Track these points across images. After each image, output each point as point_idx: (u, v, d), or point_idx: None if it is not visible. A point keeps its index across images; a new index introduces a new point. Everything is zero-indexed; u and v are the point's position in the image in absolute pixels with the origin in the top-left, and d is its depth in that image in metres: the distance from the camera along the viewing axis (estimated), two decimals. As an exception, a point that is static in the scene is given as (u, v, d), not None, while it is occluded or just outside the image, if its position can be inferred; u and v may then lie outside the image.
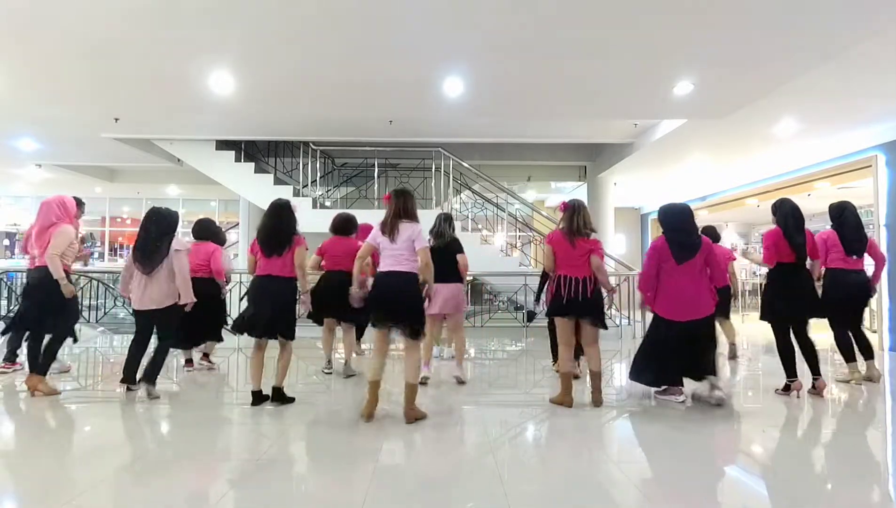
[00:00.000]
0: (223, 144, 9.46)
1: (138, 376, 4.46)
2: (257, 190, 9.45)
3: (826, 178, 8.70)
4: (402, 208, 3.89)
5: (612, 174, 10.54)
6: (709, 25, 4.51)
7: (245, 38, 4.87)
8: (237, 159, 9.52)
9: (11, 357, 5.46)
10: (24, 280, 4.57)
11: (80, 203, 5.07)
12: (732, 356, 6.49)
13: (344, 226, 5.44)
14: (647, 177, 11.01)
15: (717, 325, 6.09)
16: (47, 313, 4.45)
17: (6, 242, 16.26)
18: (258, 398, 4.18)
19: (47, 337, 4.61)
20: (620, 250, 13.29)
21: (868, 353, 5.22)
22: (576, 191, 12.85)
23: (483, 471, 2.92)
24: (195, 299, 4.62)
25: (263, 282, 4.16)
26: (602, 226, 10.84)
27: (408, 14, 4.40)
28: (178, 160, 9.89)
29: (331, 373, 5.36)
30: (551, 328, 5.10)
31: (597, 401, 4.28)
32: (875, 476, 3.07)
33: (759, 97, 6.10)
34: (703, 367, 4.29)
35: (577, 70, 5.49)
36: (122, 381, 4.45)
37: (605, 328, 4.41)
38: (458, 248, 5.11)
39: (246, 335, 4.23)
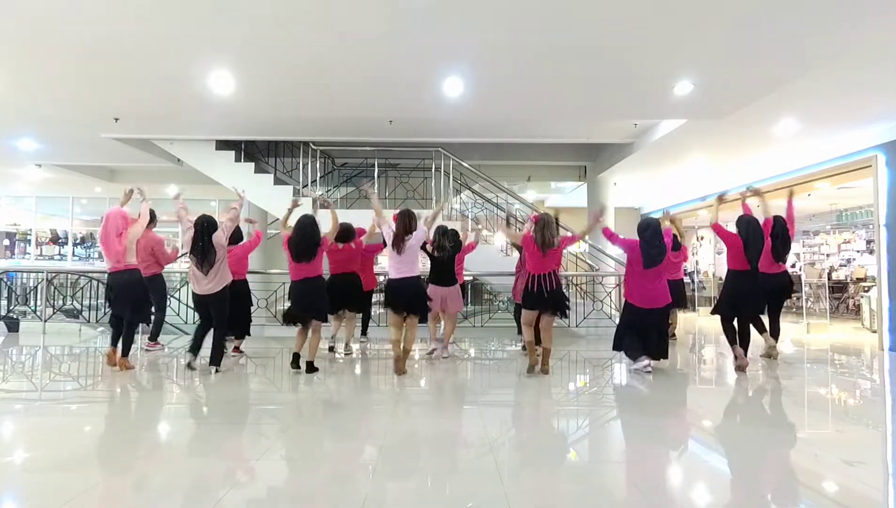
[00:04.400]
0: (223, 144, 9.45)
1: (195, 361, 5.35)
2: (257, 190, 9.42)
3: (826, 178, 8.70)
4: (406, 227, 5.20)
5: (612, 174, 10.54)
6: (709, 26, 4.51)
7: (245, 39, 4.87)
8: (237, 159, 9.51)
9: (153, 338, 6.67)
10: (107, 282, 5.58)
11: (153, 216, 6.16)
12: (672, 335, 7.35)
13: (345, 235, 6.28)
14: (647, 177, 11.01)
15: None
16: (134, 305, 5.38)
17: (6, 242, 16.25)
18: (297, 359, 5.30)
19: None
20: (620, 250, 13.26)
21: (776, 335, 6.20)
22: (576, 191, 12.86)
23: (483, 471, 2.92)
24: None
25: (300, 285, 5.26)
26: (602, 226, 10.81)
27: (408, 14, 4.40)
28: (178, 160, 9.89)
29: (350, 353, 6.34)
30: (517, 315, 6.32)
31: (545, 370, 5.23)
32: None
33: (759, 97, 6.10)
34: (659, 349, 5.38)
35: (576, 70, 5.49)
36: (189, 350, 5.36)
37: (565, 317, 5.51)
38: (457, 250, 6.17)
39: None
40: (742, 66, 5.27)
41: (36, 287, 9.51)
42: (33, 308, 9.26)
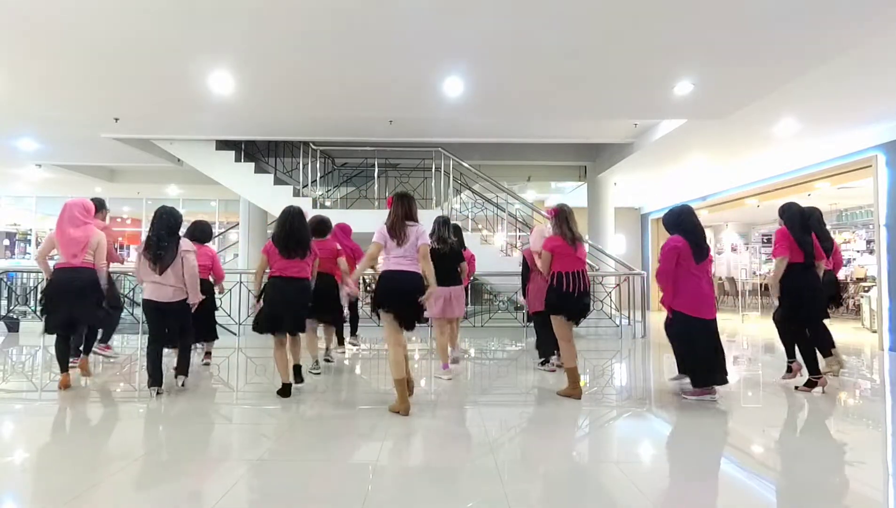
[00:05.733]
0: (223, 144, 9.45)
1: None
2: (257, 190, 9.45)
3: (826, 178, 8.70)
4: (406, 212, 4.08)
5: (612, 174, 10.54)
6: (709, 26, 4.51)
7: (245, 38, 4.87)
8: (237, 159, 9.52)
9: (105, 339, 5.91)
10: (47, 279, 4.80)
11: (102, 205, 5.46)
12: None
13: (319, 228, 5.51)
14: (647, 177, 11.01)
15: None
16: (89, 308, 4.70)
17: (6, 242, 16.26)
18: (288, 389, 4.43)
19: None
20: (620, 250, 13.28)
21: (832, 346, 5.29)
22: (576, 191, 12.86)
23: (483, 471, 2.93)
24: (202, 297, 4.82)
25: (285, 284, 4.47)
26: (602, 226, 10.85)
27: (408, 14, 4.40)
28: (178, 160, 9.90)
29: (319, 373, 5.40)
30: (538, 325, 5.51)
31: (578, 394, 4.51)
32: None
33: (759, 97, 6.10)
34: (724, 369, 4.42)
35: (577, 70, 5.49)
36: (151, 385, 4.44)
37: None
38: (460, 257, 5.42)
39: (267, 332, 4.50)
40: (742, 66, 5.27)
41: (36, 287, 9.51)
42: (33, 308, 9.27)
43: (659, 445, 3.56)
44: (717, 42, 4.80)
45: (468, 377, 5.55)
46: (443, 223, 5.35)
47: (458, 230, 5.75)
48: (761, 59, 5.08)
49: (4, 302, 9.45)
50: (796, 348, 4.88)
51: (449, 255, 5.23)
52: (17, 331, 8.62)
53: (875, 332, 7.94)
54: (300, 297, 4.55)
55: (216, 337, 5.92)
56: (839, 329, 9.44)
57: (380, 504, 2.50)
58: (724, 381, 4.42)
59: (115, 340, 6.52)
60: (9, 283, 9.78)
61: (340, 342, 6.47)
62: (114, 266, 5.52)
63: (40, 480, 2.87)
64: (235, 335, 8.03)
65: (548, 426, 3.91)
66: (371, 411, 4.15)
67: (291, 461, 3.13)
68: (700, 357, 4.37)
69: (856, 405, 4.68)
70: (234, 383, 5.40)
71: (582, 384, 5.21)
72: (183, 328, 4.68)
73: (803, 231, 4.76)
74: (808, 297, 4.73)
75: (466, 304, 6.41)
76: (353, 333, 6.84)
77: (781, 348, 5.06)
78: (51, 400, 4.44)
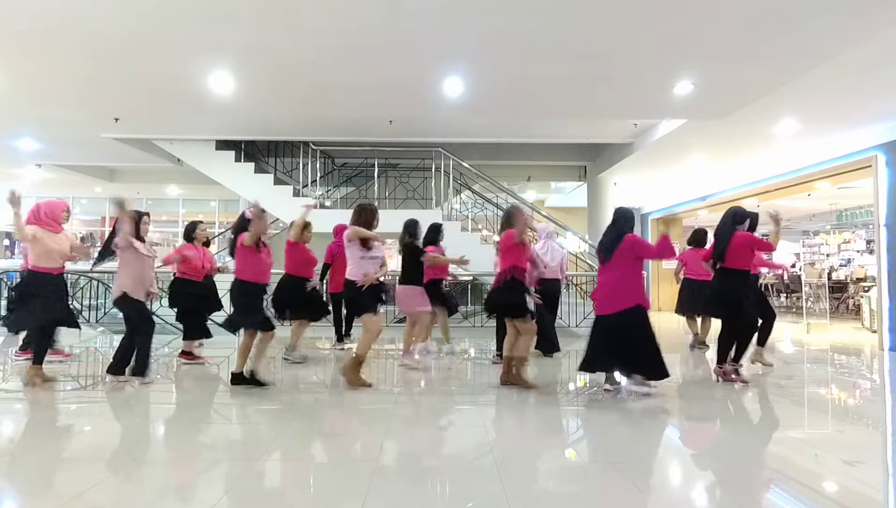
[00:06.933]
0: (223, 144, 9.46)
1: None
2: (257, 190, 9.43)
3: (826, 178, 8.70)
4: (352, 223, 4.76)
5: (612, 174, 10.55)
6: (709, 25, 4.51)
7: (245, 38, 4.87)
8: (237, 159, 9.52)
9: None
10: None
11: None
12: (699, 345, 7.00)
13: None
14: (647, 177, 11.02)
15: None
16: (32, 308, 4.84)
17: (6, 242, 16.26)
18: (238, 378, 4.69)
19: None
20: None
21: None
22: (576, 191, 12.88)
23: (483, 471, 2.92)
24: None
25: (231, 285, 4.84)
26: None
27: (408, 14, 4.40)
28: (178, 160, 9.90)
29: (301, 362, 5.80)
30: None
31: (523, 383, 4.71)
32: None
33: (759, 97, 6.10)
34: (644, 366, 4.41)
35: (577, 70, 5.49)
36: (108, 371, 4.73)
37: (522, 316, 4.62)
38: (418, 253, 5.58)
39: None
40: (742, 66, 5.27)
41: (36, 287, 9.49)
42: (33, 308, 9.24)
43: (655, 444, 3.56)
44: (717, 42, 4.80)
45: (468, 376, 5.55)
46: (405, 228, 5.66)
47: (433, 229, 6.09)
48: (761, 59, 5.08)
49: (4, 302, 9.44)
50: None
51: (403, 256, 5.61)
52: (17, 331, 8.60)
53: (875, 332, 7.93)
54: (234, 299, 4.82)
55: (209, 335, 5.92)
56: (839, 329, 9.46)
57: (379, 504, 2.50)
58: (597, 370, 4.62)
59: (115, 339, 6.53)
60: (9, 283, 9.77)
61: (347, 333, 6.77)
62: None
63: (40, 480, 2.87)
64: (234, 334, 8.01)
65: (547, 425, 3.91)
66: (370, 410, 4.15)
67: (290, 460, 3.13)
68: (588, 343, 4.55)
69: (856, 405, 4.69)
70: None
71: (582, 383, 5.23)
72: (134, 327, 4.76)
73: (722, 236, 4.88)
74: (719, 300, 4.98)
75: (456, 304, 6.69)
76: (347, 334, 6.89)
77: (779, 345, 5.09)
78: (49, 400, 4.44)
